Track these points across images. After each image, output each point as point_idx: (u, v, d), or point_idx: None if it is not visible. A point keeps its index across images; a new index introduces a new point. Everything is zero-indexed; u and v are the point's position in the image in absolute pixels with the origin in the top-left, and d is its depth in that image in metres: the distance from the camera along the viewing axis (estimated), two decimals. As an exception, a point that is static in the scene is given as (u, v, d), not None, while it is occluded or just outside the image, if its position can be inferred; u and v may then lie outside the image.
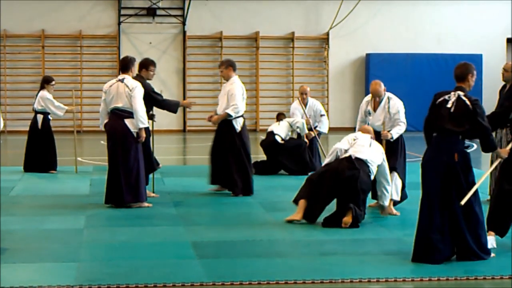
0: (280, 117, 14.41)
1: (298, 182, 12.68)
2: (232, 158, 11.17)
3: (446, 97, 7.29)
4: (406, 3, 24.63)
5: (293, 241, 8.30)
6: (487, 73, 23.99)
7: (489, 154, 8.39)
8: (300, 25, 24.39)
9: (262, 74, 24.32)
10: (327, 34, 24.43)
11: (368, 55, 24.36)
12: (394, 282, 6.64)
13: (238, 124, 11.24)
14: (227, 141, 11.21)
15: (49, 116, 13.69)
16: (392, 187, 9.73)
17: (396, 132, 9.78)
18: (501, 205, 7.68)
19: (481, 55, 24.39)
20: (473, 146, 18.19)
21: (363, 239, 8.45)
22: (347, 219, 8.82)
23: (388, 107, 9.83)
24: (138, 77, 10.84)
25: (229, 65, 11.37)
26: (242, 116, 11.32)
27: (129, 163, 10.14)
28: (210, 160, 11.48)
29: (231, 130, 11.21)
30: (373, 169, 9.27)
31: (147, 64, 11.28)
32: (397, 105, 9.87)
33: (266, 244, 8.16)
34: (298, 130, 13.95)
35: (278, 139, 13.85)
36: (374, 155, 9.30)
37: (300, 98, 14.07)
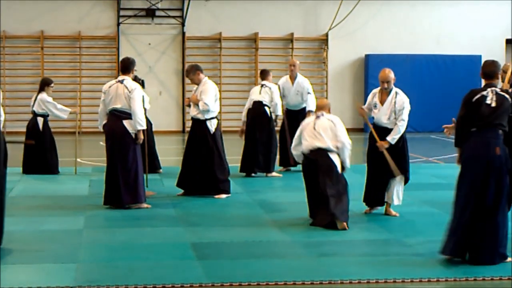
0: (264, 74, 13.72)
1: (297, 183, 12.71)
2: (207, 160, 11.12)
3: (484, 93, 7.31)
4: (405, 4, 24.62)
5: (292, 242, 8.30)
6: (486, 74, 23.96)
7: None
8: (299, 26, 24.38)
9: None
10: (326, 35, 24.43)
11: (367, 56, 24.36)
12: (393, 283, 6.64)
13: (212, 126, 11.18)
14: (201, 143, 11.15)
15: (47, 118, 13.69)
16: (394, 192, 9.62)
17: (392, 138, 9.54)
18: None
19: (480, 56, 24.37)
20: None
21: (362, 240, 8.45)
22: (341, 226, 8.80)
23: (395, 102, 9.60)
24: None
25: (196, 70, 11.21)
26: (216, 117, 11.26)
27: (127, 164, 10.14)
28: (182, 163, 11.42)
29: (205, 131, 11.15)
30: (331, 144, 9.12)
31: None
32: (403, 100, 9.60)
33: (265, 245, 8.16)
34: (271, 108, 13.44)
35: (268, 111, 13.41)
36: (323, 135, 9.15)
37: (288, 72, 13.95)
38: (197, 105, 11.09)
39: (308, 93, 13.78)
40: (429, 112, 23.40)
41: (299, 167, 13.58)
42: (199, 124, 11.19)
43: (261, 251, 7.90)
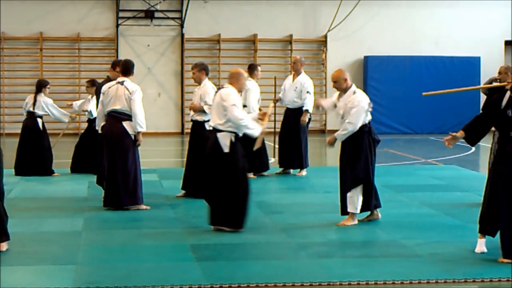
0: (249, 70, 13.68)
1: (297, 184, 12.72)
2: (202, 162, 11.13)
3: None
4: (404, 6, 24.64)
5: (291, 243, 8.29)
6: (485, 76, 23.95)
7: (487, 156, 8.36)
8: (298, 27, 24.39)
9: (261, 76, 24.29)
10: (325, 36, 24.44)
11: (366, 57, 24.37)
12: (392, 284, 6.64)
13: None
14: (200, 145, 11.16)
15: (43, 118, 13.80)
16: (349, 199, 9.07)
17: (338, 134, 8.93)
18: (494, 205, 7.64)
19: (479, 57, 24.40)
20: (472, 149, 18.20)
21: (361, 241, 8.45)
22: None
23: (349, 101, 8.97)
24: (107, 78, 11.11)
25: (202, 69, 11.31)
26: None
27: (127, 165, 10.14)
28: (185, 165, 11.42)
29: (203, 133, 11.14)
30: (219, 121, 8.68)
31: (114, 65, 11.43)
32: (354, 99, 8.92)
33: (264, 246, 8.16)
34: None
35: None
36: (213, 112, 8.82)
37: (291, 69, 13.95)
38: (200, 110, 11.14)
39: (308, 92, 13.56)
40: (428, 114, 23.38)
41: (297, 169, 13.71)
42: (198, 126, 11.24)
43: (260, 252, 7.90)
